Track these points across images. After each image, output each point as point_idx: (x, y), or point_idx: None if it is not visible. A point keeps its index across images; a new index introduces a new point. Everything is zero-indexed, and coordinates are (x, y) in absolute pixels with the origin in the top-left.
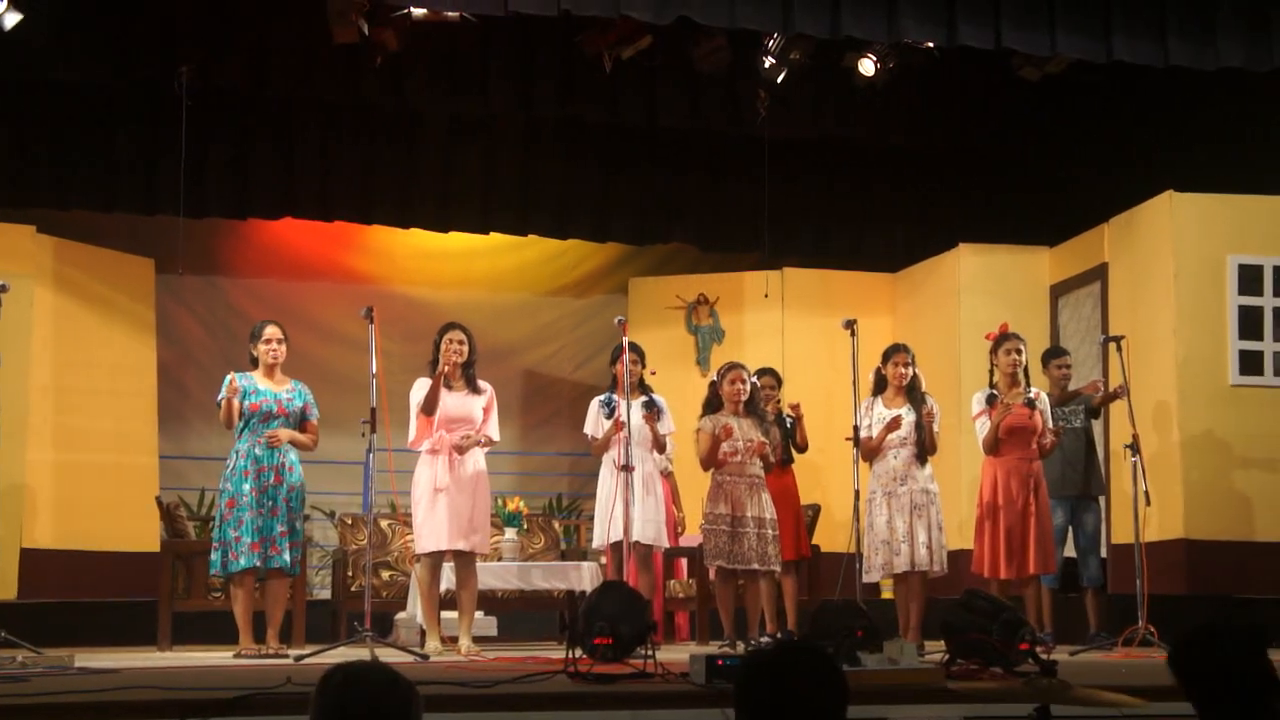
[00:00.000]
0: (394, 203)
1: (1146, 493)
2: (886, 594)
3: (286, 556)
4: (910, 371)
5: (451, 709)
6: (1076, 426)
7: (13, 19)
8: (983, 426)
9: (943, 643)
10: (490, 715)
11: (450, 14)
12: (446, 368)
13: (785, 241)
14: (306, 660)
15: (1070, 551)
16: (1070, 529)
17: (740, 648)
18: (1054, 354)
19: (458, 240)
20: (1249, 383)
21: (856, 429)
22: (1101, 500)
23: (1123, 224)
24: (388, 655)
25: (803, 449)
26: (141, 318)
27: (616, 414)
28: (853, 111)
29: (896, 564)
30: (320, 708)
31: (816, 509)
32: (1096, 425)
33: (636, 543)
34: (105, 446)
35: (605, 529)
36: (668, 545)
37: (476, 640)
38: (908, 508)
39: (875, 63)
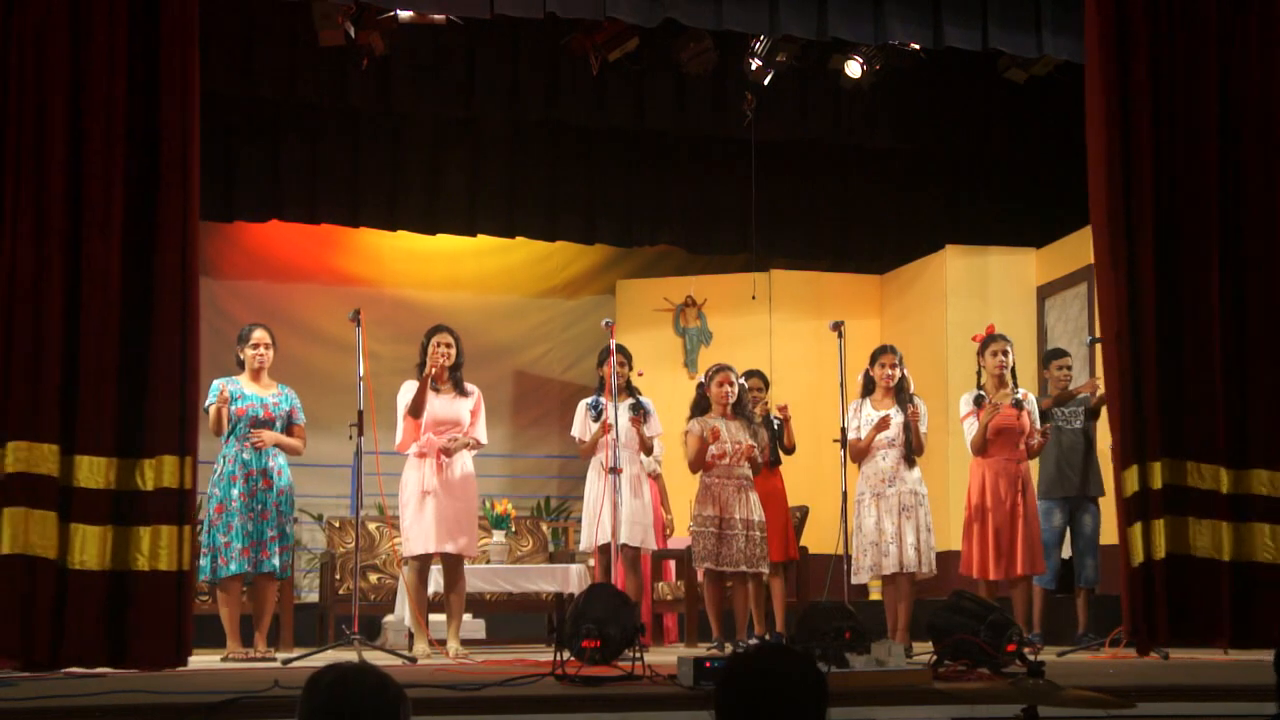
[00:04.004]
0: (381, 205)
1: None
2: (875, 595)
3: (276, 561)
4: (898, 373)
5: (439, 712)
6: (1076, 427)
7: None
8: (970, 427)
9: (930, 644)
10: (478, 718)
11: (436, 16)
12: (434, 370)
13: (773, 243)
14: (294, 664)
15: (1069, 553)
16: (1069, 530)
17: (728, 650)
18: (1054, 355)
19: (445, 242)
20: None
21: (844, 430)
22: (1100, 502)
23: None
24: (375, 658)
25: (790, 451)
26: None
27: (604, 417)
28: (839, 113)
29: (885, 565)
30: (309, 710)
31: (805, 511)
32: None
33: (624, 545)
34: None
35: (593, 531)
36: (655, 547)
37: (464, 643)
38: (896, 509)
39: (861, 65)
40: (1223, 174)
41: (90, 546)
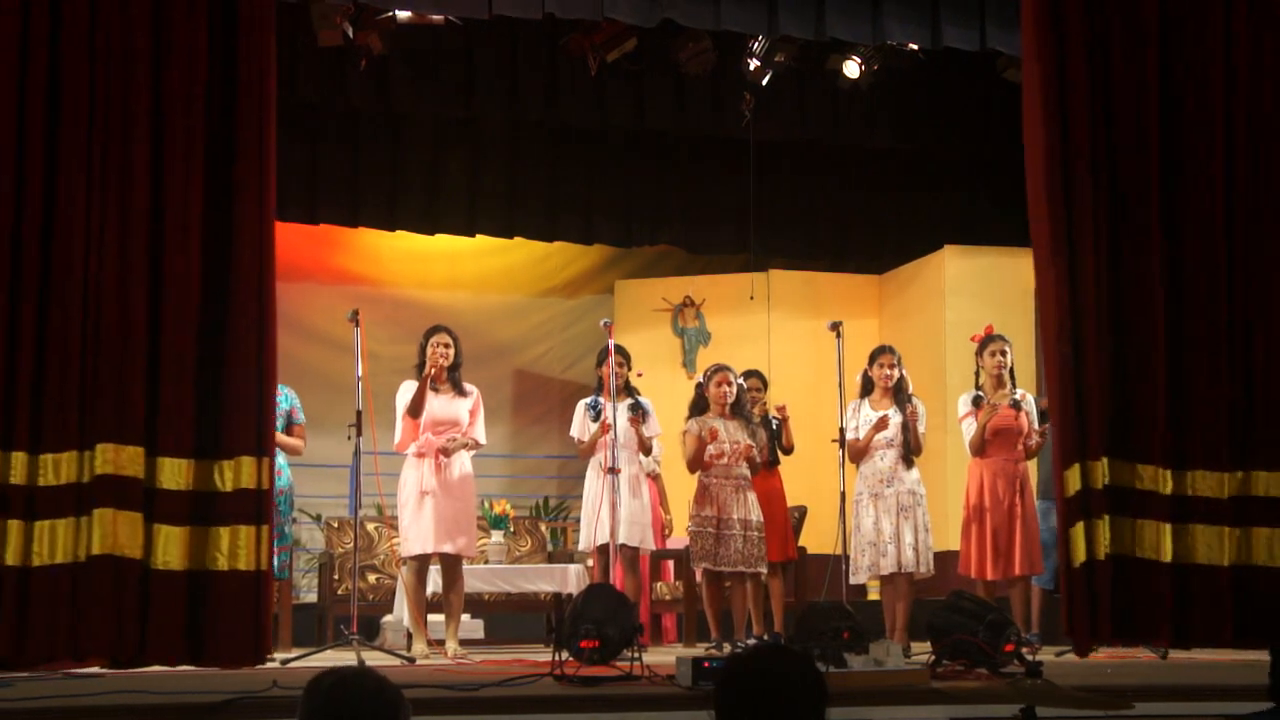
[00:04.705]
0: (380, 205)
1: None
2: (873, 595)
3: (274, 561)
4: (896, 373)
5: (438, 712)
6: None
7: None
8: (969, 428)
9: (929, 644)
10: (477, 718)
11: (435, 17)
12: (432, 370)
13: (771, 243)
14: (293, 664)
15: None
16: None
17: (727, 650)
18: None
19: (445, 242)
20: None
21: (843, 431)
22: None
23: None
24: (374, 658)
25: (789, 451)
26: None
27: (603, 417)
28: (838, 114)
29: (883, 565)
30: (308, 713)
31: (803, 511)
32: None
33: (623, 545)
34: None
35: (591, 531)
36: (654, 547)
37: (463, 643)
38: (894, 509)
39: (859, 65)
40: (1163, 170)
41: (173, 547)
